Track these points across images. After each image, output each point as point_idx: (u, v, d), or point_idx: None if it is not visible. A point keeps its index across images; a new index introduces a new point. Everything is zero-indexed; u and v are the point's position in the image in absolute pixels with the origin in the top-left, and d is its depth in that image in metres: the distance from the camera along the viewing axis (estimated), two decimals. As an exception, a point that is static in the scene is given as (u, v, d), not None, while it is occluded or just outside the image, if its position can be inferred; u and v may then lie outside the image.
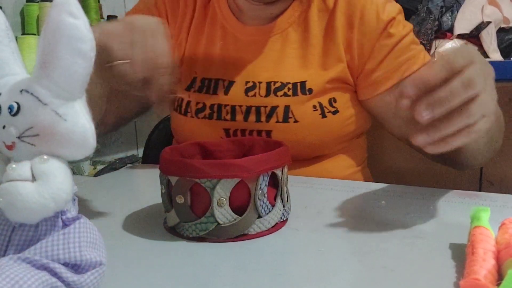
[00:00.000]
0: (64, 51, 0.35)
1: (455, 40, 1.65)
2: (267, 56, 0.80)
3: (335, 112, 0.77)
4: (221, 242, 0.51)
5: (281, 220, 0.56)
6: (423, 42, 1.45)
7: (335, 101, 0.77)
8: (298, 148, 0.76)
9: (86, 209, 0.64)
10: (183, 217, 0.52)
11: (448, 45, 1.64)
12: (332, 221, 0.57)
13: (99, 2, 2.08)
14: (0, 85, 0.38)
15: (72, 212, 0.39)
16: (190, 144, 0.62)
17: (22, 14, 1.82)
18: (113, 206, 0.64)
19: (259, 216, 0.53)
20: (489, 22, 1.59)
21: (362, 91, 0.79)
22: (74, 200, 0.40)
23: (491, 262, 0.40)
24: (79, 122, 0.37)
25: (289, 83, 0.77)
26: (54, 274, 0.36)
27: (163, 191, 0.54)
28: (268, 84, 0.78)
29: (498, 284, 0.36)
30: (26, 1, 1.81)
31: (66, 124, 0.36)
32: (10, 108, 0.36)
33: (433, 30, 1.65)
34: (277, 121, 0.76)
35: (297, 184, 0.70)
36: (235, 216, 0.51)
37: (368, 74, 0.77)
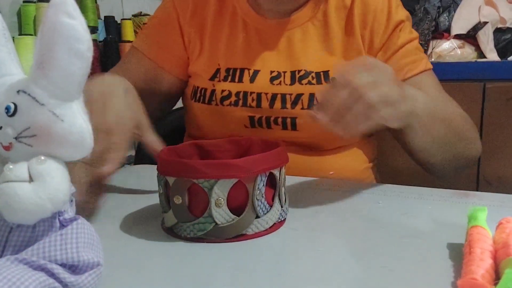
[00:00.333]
0: (61, 51, 0.35)
1: (452, 40, 1.65)
2: (290, 47, 0.82)
3: None
4: (219, 242, 0.51)
5: (279, 220, 0.56)
6: (420, 42, 1.45)
7: None
8: (321, 136, 0.78)
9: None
10: (181, 218, 0.52)
11: (445, 45, 1.65)
12: (330, 221, 0.57)
13: (96, 2, 2.08)
14: (-3, 85, 0.38)
15: (70, 213, 0.39)
16: (187, 144, 0.62)
17: (19, 14, 1.81)
18: (111, 207, 0.64)
19: (257, 216, 0.53)
20: (486, 23, 1.59)
21: None
22: (72, 201, 0.40)
23: (488, 261, 0.40)
24: (76, 122, 0.37)
25: (313, 71, 0.79)
26: (51, 275, 0.36)
27: (161, 191, 0.54)
28: (293, 73, 0.80)
29: (496, 284, 0.37)
30: (23, 2, 1.81)
31: (63, 125, 0.36)
32: (7, 108, 0.36)
33: (430, 30, 1.66)
34: (302, 108, 0.78)
35: (295, 184, 0.70)
36: (233, 216, 0.51)
37: None
